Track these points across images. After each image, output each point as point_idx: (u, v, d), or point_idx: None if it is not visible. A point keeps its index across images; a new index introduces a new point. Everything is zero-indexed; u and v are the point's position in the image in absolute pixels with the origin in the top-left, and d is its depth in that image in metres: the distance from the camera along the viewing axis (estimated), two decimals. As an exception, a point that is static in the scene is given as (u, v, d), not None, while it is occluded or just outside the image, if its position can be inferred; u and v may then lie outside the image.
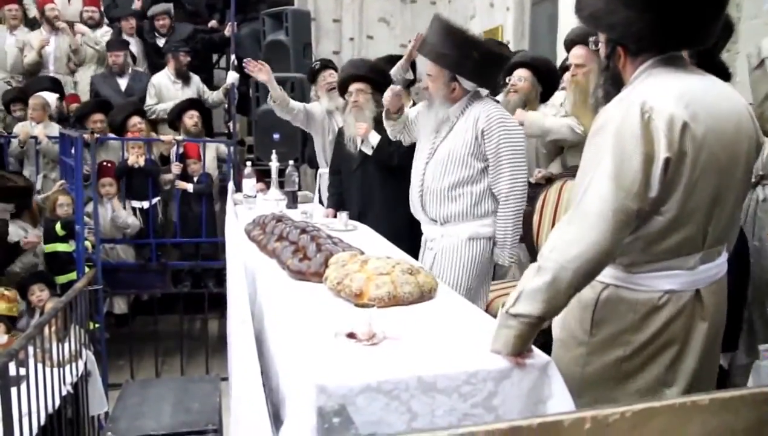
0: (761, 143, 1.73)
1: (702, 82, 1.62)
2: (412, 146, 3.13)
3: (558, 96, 3.87)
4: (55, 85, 5.91)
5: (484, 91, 2.83)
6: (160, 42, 6.52)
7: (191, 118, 5.74)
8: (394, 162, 3.45)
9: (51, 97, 5.68)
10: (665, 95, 1.52)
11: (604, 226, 1.46)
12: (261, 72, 4.13)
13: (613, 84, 1.70)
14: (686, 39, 1.61)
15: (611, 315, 1.67)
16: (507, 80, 3.65)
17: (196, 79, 6.28)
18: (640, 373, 1.67)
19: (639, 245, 1.59)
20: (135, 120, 5.65)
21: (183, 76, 6.12)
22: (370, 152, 3.56)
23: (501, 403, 1.47)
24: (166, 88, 6.09)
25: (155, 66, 6.45)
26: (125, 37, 6.48)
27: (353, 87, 3.64)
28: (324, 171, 4.42)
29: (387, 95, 3.03)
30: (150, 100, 6.06)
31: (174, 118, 5.86)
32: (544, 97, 3.76)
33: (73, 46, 6.27)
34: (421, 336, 1.66)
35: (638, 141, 1.47)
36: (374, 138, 3.53)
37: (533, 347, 1.55)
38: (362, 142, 3.58)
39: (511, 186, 2.68)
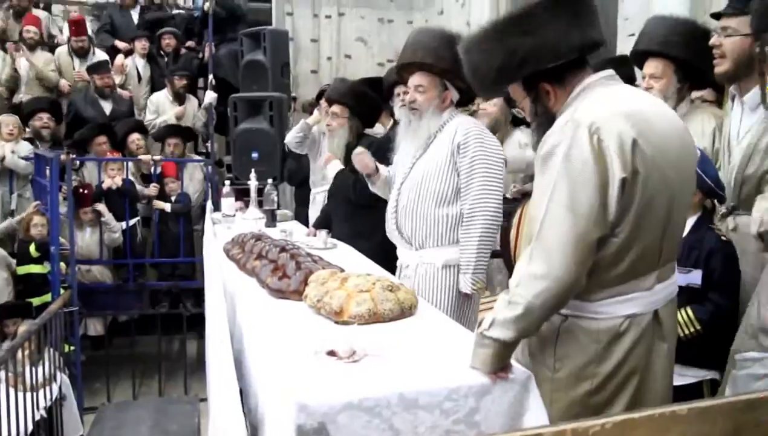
0: (697, 159, 1.75)
1: (642, 100, 1.63)
2: None
3: None
4: (54, 107, 5.86)
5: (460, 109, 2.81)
6: (165, 61, 6.68)
7: (169, 146, 5.87)
8: (351, 196, 3.33)
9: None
10: (611, 114, 1.50)
11: (567, 259, 1.45)
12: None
13: (549, 123, 1.63)
14: (586, 34, 1.59)
15: (574, 348, 1.62)
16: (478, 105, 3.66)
17: (194, 102, 6.38)
18: (609, 407, 1.62)
19: (594, 270, 1.54)
20: (134, 136, 5.77)
21: (179, 98, 6.23)
22: (330, 182, 3.51)
23: (483, 419, 1.47)
24: (163, 107, 6.22)
25: (157, 86, 6.57)
26: (137, 57, 6.62)
27: (330, 110, 3.63)
28: (316, 191, 4.38)
29: (354, 161, 2.93)
30: (150, 116, 6.21)
31: (159, 140, 5.96)
32: (520, 119, 3.78)
33: (39, 73, 6.16)
34: (402, 353, 1.66)
35: (590, 166, 1.44)
36: (332, 170, 3.46)
37: (513, 361, 1.56)
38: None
39: (477, 203, 2.53)
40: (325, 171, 3.53)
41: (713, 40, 2.32)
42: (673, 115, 1.67)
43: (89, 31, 6.66)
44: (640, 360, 1.61)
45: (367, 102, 3.68)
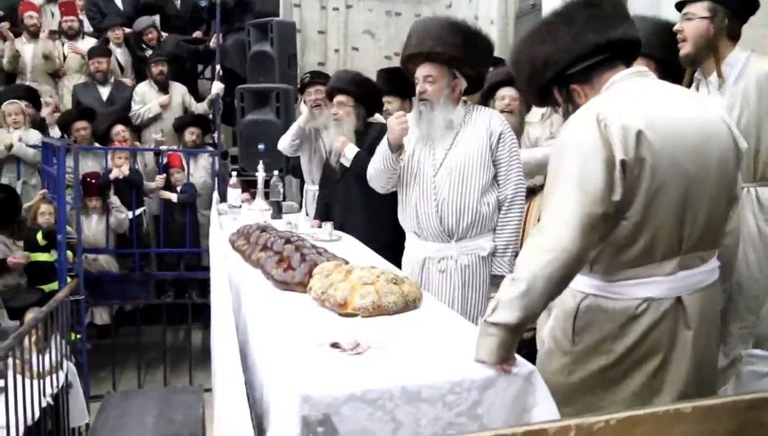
0: (742, 150, 1.75)
1: (662, 92, 1.69)
2: None
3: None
4: (30, 94, 5.86)
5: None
6: (148, 53, 6.53)
7: (192, 134, 5.84)
8: None
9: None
10: (618, 106, 1.60)
11: (573, 232, 1.50)
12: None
13: None
14: (604, 36, 1.68)
15: (592, 324, 1.71)
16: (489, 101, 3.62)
17: (179, 88, 6.27)
18: (624, 381, 1.70)
19: (609, 251, 1.64)
20: (118, 128, 5.69)
21: (161, 85, 6.13)
22: (348, 165, 3.50)
23: (486, 412, 1.47)
24: (149, 97, 6.13)
25: (143, 76, 6.45)
26: (112, 47, 6.48)
27: (335, 99, 3.62)
28: (310, 187, 4.39)
29: (391, 124, 2.71)
30: (135, 107, 6.11)
31: (176, 130, 5.95)
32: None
33: (45, 52, 6.19)
34: (406, 345, 1.66)
35: (597, 148, 1.54)
36: (351, 151, 3.47)
37: (517, 355, 1.56)
38: (341, 155, 3.53)
39: (517, 191, 2.66)
40: (343, 153, 3.51)
41: (677, 27, 2.48)
42: (701, 109, 1.70)
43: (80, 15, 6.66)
44: (659, 343, 1.66)
45: (370, 90, 3.70)
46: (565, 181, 1.56)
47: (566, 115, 1.81)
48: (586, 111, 1.63)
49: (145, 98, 6.11)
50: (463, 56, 2.58)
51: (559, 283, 1.53)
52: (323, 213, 3.70)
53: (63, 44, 6.43)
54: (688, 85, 2.71)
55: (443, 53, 2.58)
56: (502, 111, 3.30)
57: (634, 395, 1.68)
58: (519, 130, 3.45)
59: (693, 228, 1.64)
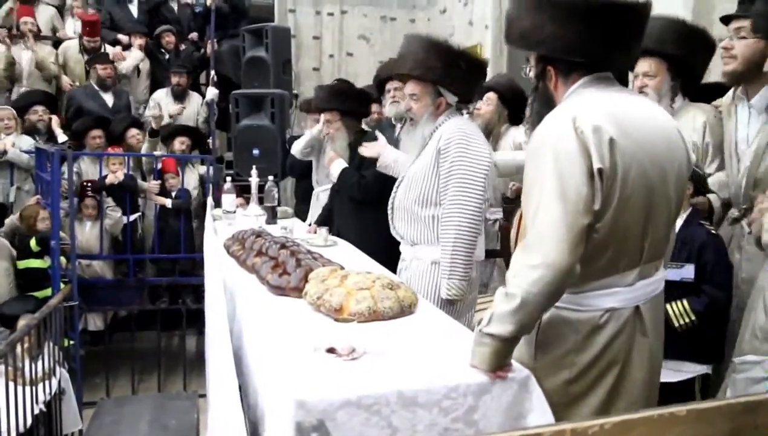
0: (692, 163, 1.76)
1: (630, 101, 1.68)
2: (380, 179, 3.14)
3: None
4: (49, 99, 5.86)
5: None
6: (166, 58, 6.65)
7: (181, 144, 5.87)
8: (356, 195, 3.37)
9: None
10: (593, 112, 1.55)
11: (561, 246, 1.47)
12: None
13: (544, 104, 1.73)
14: (610, 52, 1.65)
15: (554, 337, 1.68)
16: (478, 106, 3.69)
17: (196, 98, 6.38)
18: (587, 396, 1.67)
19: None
20: (133, 132, 5.78)
21: (177, 96, 6.24)
22: (334, 181, 3.53)
23: (481, 417, 1.47)
24: (165, 105, 6.20)
25: (159, 83, 6.54)
26: (135, 51, 6.53)
27: (322, 117, 3.66)
28: (319, 190, 4.39)
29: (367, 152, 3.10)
30: (148, 112, 6.18)
31: (166, 139, 5.94)
32: (518, 118, 3.79)
33: (38, 59, 6.16)
34: (402, 351, 1.66)
35: (577, 156, 1.50)
36: (336, 168, 3.48)
37: (513, 361, 1.56)
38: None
39: (452, 208, 2.51)
40: (329, 170, 3.53)
41: (725, 43, 2.38)
42: (664, 118, 1.71)
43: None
44: (619, 353, 1.65)
45: (352, 98, 3.70)
46: (546, 193, 1.51)
47: (534, 91, 1.78)
48: (561, 115, 1.58)
49: (161, 106, 6.17)
50: (441, 78, 2.60)
51: (551, 297, 1.51)
52: (324, 217, 3.71)
53: (83, 56, 6.43)
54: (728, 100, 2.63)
55: (421, 77, 2.62)
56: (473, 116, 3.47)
57: (596, 411, 1.65)
58: (485, 133, 3.51)
59: (653, 238, 1.64)
